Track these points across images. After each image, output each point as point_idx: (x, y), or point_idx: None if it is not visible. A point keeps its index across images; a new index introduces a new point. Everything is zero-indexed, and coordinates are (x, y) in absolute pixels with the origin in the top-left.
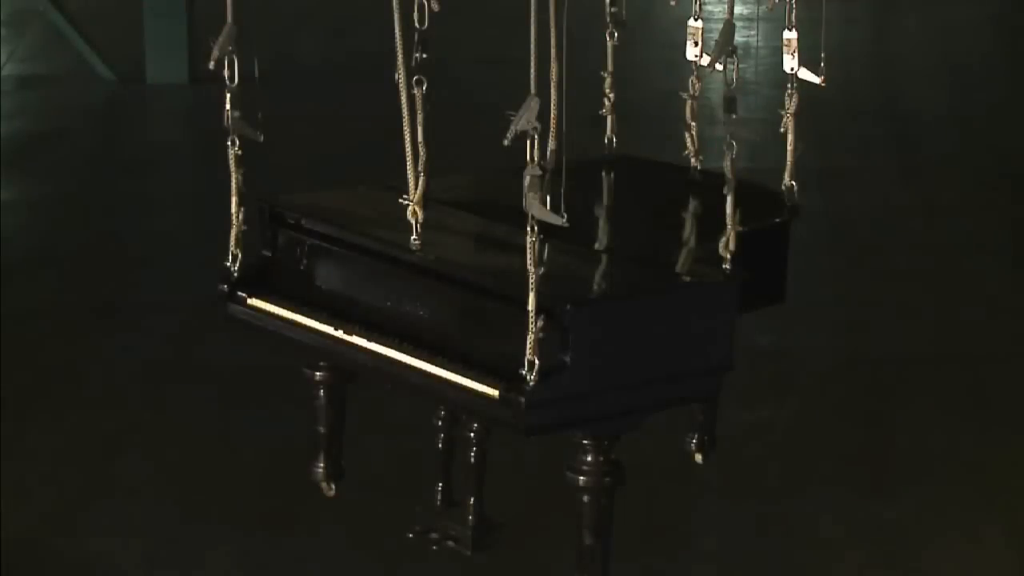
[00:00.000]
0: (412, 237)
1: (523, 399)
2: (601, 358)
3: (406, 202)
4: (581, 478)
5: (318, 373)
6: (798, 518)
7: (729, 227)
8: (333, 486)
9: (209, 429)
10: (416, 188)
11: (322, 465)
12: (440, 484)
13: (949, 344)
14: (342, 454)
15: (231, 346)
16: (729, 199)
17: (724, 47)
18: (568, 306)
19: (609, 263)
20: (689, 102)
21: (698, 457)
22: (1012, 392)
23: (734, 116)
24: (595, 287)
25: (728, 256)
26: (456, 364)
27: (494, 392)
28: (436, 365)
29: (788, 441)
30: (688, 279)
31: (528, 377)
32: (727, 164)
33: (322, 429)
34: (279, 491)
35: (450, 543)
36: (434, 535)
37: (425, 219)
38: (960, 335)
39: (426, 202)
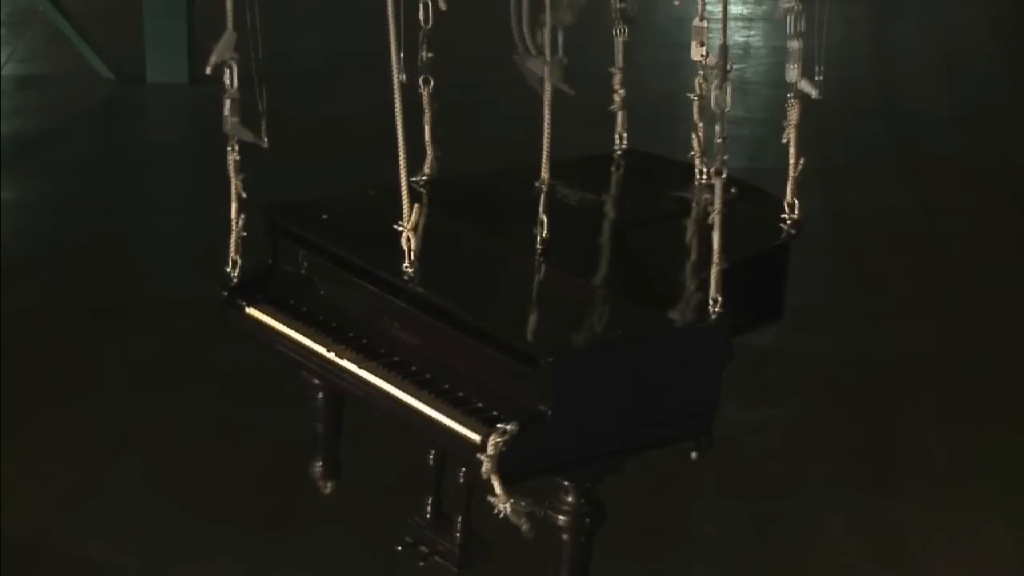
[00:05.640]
0: (404, 264)
1: (500, 450)
2: (583, 408)
3: (400, 228)
4: (560, 517)
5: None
6: (798, 517)
7: (715, 264)
8: (330, 484)
9: (209, 429)
10: (409, 207)
11: (320, 463)
12: (430, 498)
13: (949, 344)
14: (340, 453)
15: (231, 346)
16: (715, 236)
17: (722, 72)
18: (551, 358)
19: (597, 300)
20: (696, 102)
21: (693, 455)
22: (1012, 392)
23: (725, 138)
24: (580, 334)
25: (719, 298)
26: (439, 402)
27: (475, 437)
28: (420, 400)
29: (788, 441)
30: (677, 322)
31: (507, 428)
32: (717, 191)
33: (320, 428)
34: (279, 491)
35: (437, 558)
36: (423, 548)
37: (422, 233)
38: (960, 335)
39: (424, 212)
